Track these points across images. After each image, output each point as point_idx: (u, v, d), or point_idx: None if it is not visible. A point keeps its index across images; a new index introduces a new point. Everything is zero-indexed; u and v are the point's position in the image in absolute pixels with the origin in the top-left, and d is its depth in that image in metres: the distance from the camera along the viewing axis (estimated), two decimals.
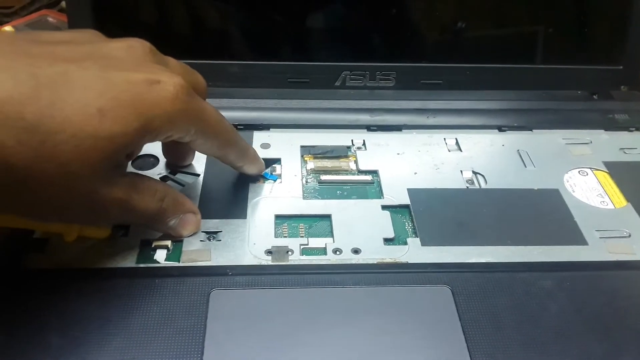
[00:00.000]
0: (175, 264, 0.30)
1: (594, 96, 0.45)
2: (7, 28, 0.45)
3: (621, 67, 0.45)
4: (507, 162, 0.38)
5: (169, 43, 0.43)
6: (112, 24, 0.42)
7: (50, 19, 0.47)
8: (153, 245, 0.31)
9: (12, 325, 0.26)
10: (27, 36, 0.30)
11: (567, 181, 0.37)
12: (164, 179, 0.35)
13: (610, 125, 0.42)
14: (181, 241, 0.31)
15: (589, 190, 0.36)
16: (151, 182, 0.29)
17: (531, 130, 0.41)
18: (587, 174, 0.37)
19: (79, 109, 0.24)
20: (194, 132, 0.29)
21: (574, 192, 0.36)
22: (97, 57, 0.26)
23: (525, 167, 0.38)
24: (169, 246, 0.31)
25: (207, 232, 0.32)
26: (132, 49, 0.27)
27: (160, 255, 0.30)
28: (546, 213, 0.34)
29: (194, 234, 0.31)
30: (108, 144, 0.24)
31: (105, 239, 0.30)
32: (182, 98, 0.27)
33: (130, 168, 0.35)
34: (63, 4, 0.50)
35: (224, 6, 0.43)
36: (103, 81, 0.25)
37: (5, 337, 0.25)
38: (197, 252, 0.30)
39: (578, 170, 0.38)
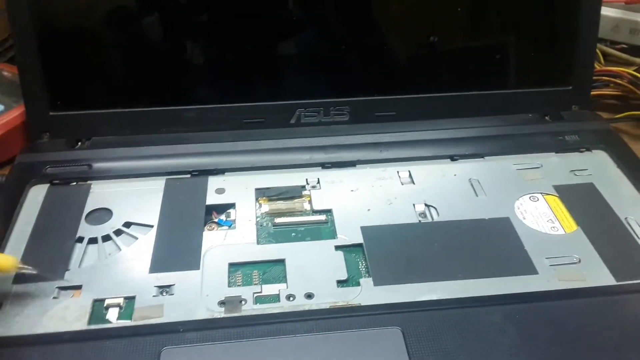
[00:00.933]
0: (128, 322, 0.30)
1: (546, 117, 0.46)
2: None
3: (571, 87, 0.46)
4: (459, 192, 0.38)
5: (123, 91, 0.44)
6: (63, 76, 0.42)
7: (5, 73, 0.47)
8: (105, 304, 0.31)
9: None
10: None
11: (518, 208, 0.37)
12: (117, 232, 0.35)
13: (561, 148, 0.42)
14: (133, 297, 0.31)
15: (539, 216, 0.37)
16: None
17: (483, 157, 0.42)
18: (537, 200, 0.38)
19: None
20: None
21: (524, 219, 0.36)
22: None
23: (477, 196, 0.38)
24: (121, 304, 0.31)
25: (159, 287, 0.32)
26: None
27: (113, 315, 0.30)
28: (497, 243, 0.34)
29: None
30: None
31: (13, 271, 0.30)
32: None
33: (82, 222, 0.36)
34: None
35: (177, 52, 0.43)
36: None
37: None
38: (149, 309, 0.30)
39: (529, 196, 0.38)
